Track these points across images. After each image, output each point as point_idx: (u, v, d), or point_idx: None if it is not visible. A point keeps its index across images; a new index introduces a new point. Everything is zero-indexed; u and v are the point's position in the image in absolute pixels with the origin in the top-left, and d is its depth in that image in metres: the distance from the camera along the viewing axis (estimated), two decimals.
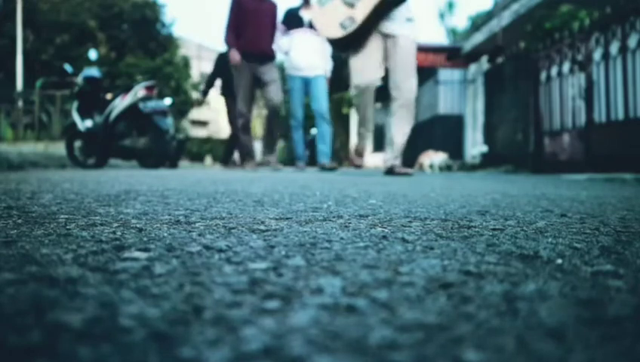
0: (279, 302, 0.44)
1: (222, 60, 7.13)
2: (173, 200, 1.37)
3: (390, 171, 4.30)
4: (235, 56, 5.87)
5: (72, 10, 18.81)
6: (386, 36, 4.16)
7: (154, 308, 0.41)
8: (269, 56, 6.09)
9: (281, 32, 6.32)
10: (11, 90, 14.86)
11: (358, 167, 5.04)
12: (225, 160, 8.20)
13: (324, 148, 6.56)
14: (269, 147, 6.34)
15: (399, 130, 4.30)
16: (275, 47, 6.20)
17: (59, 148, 7.64)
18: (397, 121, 4.30)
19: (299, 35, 6.39)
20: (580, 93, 6.35)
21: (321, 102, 6.53)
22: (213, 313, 0.40)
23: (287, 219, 1.02)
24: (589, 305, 0.44)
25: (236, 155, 7.84)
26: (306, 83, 6.53)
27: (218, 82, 7.65)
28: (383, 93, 4.79)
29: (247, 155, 6.23)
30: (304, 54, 6.42)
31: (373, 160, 14.83)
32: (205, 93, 7.95)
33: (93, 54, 9.61)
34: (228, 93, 7.14)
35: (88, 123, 6.62)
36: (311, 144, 17.87)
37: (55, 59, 16.90)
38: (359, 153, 4.92)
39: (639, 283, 0.53)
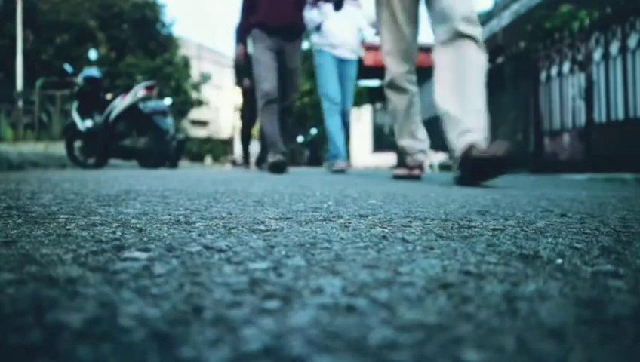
0: (279, 302, 0.44)
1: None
2: (173, 200, 1.37)
3: (470, 173, 2.33)
4: (240, 53, 4.93)
5: (72, 10, 18.82)
6: None
7: (154, 308, 0.41)
8: (297, 30, 4.72)
9: (309, 2, 4.98)
10: (11, 90, 14.86)
11: (413, 176, 3.24)
12: (246, 159, 7.34)
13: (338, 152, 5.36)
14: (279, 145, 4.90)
15: (457, 92, 2.49)
16: (305, 20, 4.83)
17: (59, 148, 7.64)
18: (445, 75, 2.58)
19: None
20: (580, 93, 6.35)
21: (349, 97, 5.38)
22: (213, 313, 0.40)
23: (287, 219, 1.02)
24: (589, 305, 0.44)
25: (238, 155, 7.64)
26: (338, 64, 5.36)
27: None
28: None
29: (271, 147, 4.54)
30: (340, 30, 5.27)
31: (373, 160, 14.83)
32: (239, 81, 7.01)
33: (93, 54, 9.61)
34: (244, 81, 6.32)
35: (88, 123, 6.62)
36: (311, 144, 17.88)
37: (55, 59, 16.91)
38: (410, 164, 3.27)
39: (639, 283, 0.53)
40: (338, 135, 5.21)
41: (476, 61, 2.52)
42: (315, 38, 5.47)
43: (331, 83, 5.22)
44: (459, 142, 2.40)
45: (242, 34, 4.84)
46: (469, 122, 2.42)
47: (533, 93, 7.44)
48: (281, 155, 4.40)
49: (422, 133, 3.26)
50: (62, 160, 6.76)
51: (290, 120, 4.90)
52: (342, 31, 5.33)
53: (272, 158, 4.36)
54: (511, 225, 0.96)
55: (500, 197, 1.68)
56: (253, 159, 7.57)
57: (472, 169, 2.28)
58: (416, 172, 3.24)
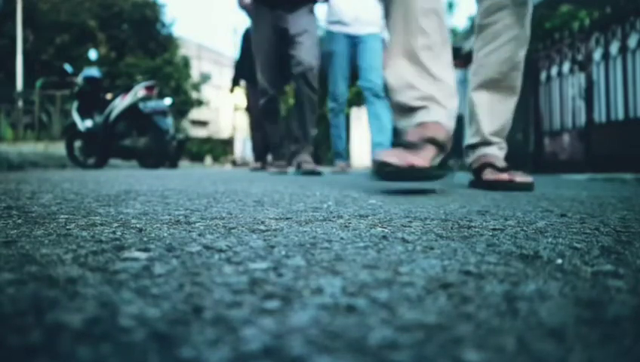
0: (279, 302, 0.44)
1: (248, 37, 5.29)
2: (173, 200, 1.37)
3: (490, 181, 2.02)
4: None
5: (72, 10, 18.84)
6: None
7: (154, 308, 0.41)
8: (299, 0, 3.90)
9: None
10: (11, 90, 14.88)
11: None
12: (259, 158, 6.57)
13: (380, 139, 4.58)
14: (303, 135, 4.04)
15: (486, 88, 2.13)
16: None
17: (59, 148, 7.65)
18: (486, 52, 2.14)
19: None
20: (580, 93, 6.35)
21: (374, 70, 4.51)
22: (213, 313, 0.40)
23: (287, 219, 1.02)
24: (589, 305, 0.44)
25: (238, 153, 7.52)
26: (354, 44, 4.59)
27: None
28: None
29: (273, 151, 4.29)
30: (350, 3, 4.51)
31: (371, 160, 14.83)
32: (235, 81, 6.31)
33: (93, 54, 9.62)
34: (251, 75, 5.51)
35: (88, 123, 6.63)
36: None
37: (55, 59, 16.93)
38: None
39: (639, 283, 0.53)
40: (340, 135, 5.03)
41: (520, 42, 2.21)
42: (323, 16, 4.76)
43: (340, 82, 4.69)
44: (474, 153, 2.26)
45: None
46: (493, 122, 2.18)
47: (533, 93, 7.44)
48: (284, 163, 4.30)
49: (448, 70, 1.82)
50: (62, 160, 6.77)
51: (311, 93, 3.93)
52: (352, 4, 4.55)
53: (274, 167, 4.25)
54: (511, 225, 0.96)
55: (500, 197, 1.68)
56: (252, 158, 7.38)
57: (484, 186, 2.12)
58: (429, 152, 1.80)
